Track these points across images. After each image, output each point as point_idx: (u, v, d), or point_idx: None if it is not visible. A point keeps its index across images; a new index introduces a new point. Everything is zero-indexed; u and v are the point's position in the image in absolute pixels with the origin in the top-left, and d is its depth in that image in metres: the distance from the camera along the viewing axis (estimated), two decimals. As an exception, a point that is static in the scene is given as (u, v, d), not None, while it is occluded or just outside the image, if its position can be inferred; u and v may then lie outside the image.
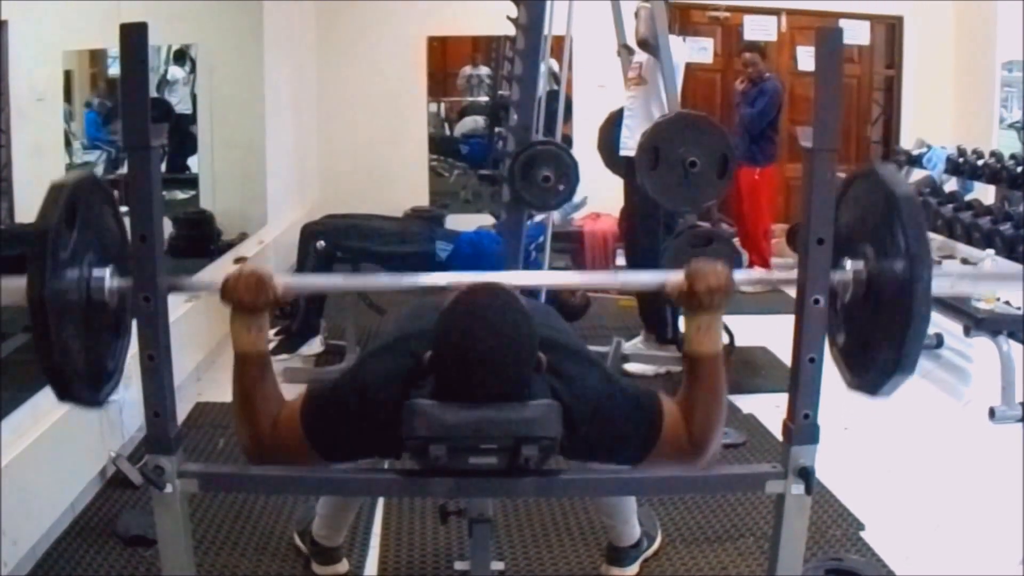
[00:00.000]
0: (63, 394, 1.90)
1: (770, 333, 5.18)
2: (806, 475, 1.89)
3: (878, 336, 1.91)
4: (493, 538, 2.59)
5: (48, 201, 1.81)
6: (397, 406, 1.85)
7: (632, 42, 5.03)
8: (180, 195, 5.78)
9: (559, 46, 4.71)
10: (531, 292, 4.31)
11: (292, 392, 4.11)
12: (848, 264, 1.93)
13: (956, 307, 4.61)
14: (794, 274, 1.98)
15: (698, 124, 4.17)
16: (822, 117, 1.86)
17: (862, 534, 3.14)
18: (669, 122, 4.22)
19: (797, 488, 1.90)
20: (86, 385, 1.94)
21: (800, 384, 1.92)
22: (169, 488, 1.91)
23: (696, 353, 1.98)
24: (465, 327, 1.82)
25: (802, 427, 1.92)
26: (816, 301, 1.85)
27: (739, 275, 1.99)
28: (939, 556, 3.03)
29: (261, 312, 1.96)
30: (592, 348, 4.02)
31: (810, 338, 1.89)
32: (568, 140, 6.44)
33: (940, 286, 1.95)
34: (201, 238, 5.44)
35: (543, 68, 4.49)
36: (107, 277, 1.91)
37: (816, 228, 1.84)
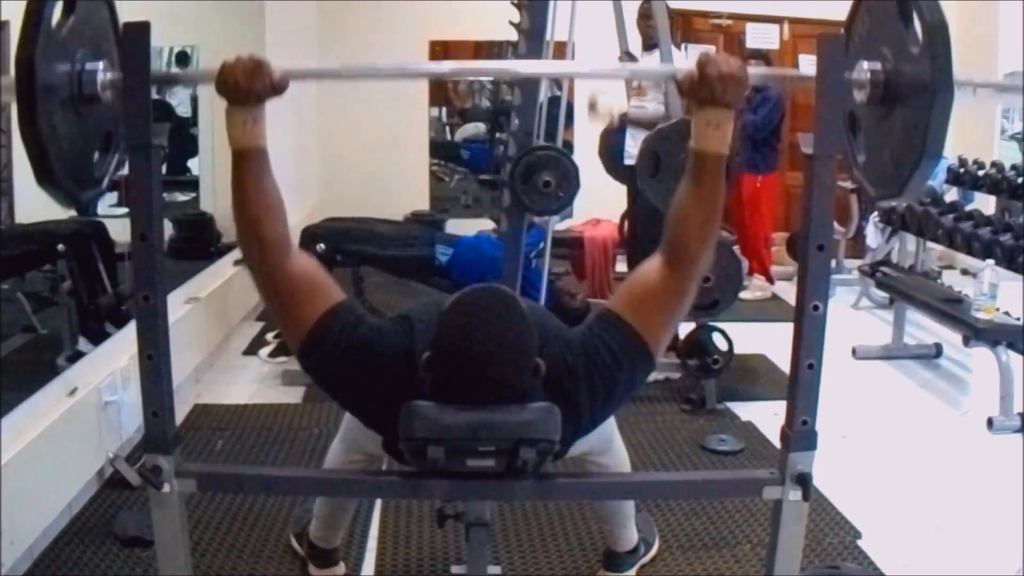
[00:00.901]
0: (44, 177, 1.78)
1: (770, 341, 5.19)
2: (804, 481, 1.89)
3: (899, 135, 1.81)
4: (490, 542, 2.58)
5: None
6: (399, 381, 1.86)
7: (635, 50, 5.05)
8: (181, 197, 5.78)
9: (561, 51, 4.72)
10: (531, 295, 4.32)
11: (291, 394, 4.10)
12: (864, 64, 1.85)
13: (956, 317, 4.62)
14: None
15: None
16: (823, 123, 1.85)
17: (859, 542, 3.15)
18: (670, 129, 4.23)
19: (795, 494, 1.90)
20: (69, 177, 1.84)
21: (799, 390, 1.91)
22: (167, 488, 1.91)
23: (702, 150, 1.88)
24: (465, 328, 1.81)
25: (800, 433, 1.92)
26: (816, 307, 1.85)
27: (753, 70, 1.88)
28: (936, 565, 3.03)
29: (258, 101, 1.87)
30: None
31: (809, 344, 1.89)
32: (569, 146, 6.47)
33: (962, 92, 1.80)
34: (201, 240, 5.45)
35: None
36: (100, 69, 1.84)
37: (816, 234, 1.85)
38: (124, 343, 3.56)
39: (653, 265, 1.93)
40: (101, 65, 1.84)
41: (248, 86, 1.83)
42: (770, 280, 6.91)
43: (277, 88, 1.87)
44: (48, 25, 1.72)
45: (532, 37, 4.05)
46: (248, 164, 1.90)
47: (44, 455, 2.90)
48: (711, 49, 7.91)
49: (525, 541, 3.10)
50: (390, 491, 2.28)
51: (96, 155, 1.96)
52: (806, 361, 1.89)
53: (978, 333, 4.42)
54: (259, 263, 1.92)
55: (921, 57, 1.73)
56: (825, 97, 1.84)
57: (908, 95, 1.77)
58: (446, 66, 2.19)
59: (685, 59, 5.37)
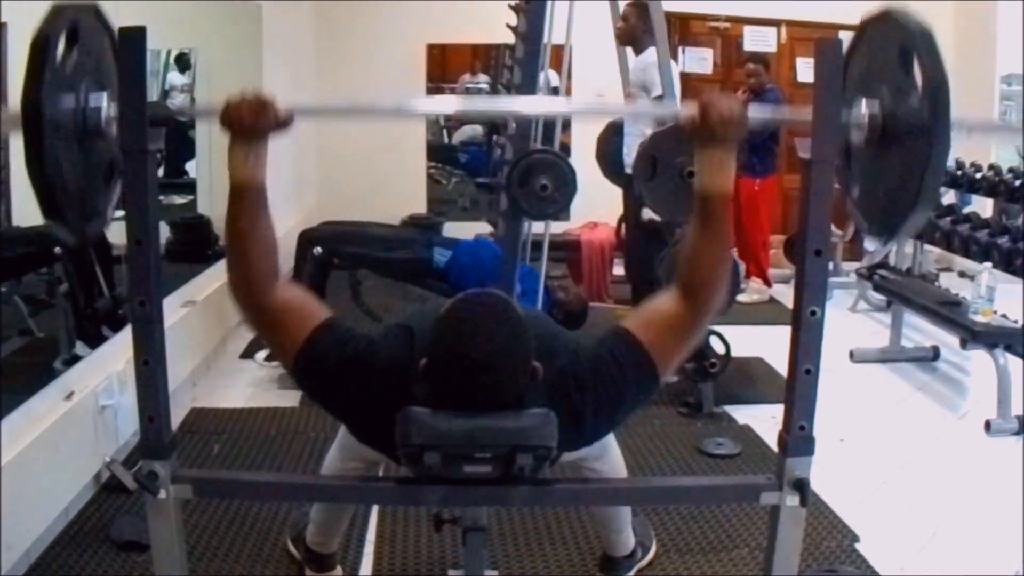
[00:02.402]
0: (50, 209, 1.82)
1: (767, 344, 5.21)
2: (801, 486, 1.89)
3: (894, 176, 1.86)
4: (487, 546, 2.58)
5: (51, 15, 1.78)
6: (394, 392, 1.87)
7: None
8: (178, 200, 5.78)
9: (558, 55, 4.73)
10: (529, 298, 4.34)
11: (288, 397, 4.10)
12: (863, 103, 1.89)
13: (953, 319, 4.64)
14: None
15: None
16: (821, 128, 1.86)
17: (857, 546, 3.16)
18: (666, 132, 4.23)
19: (792, 500, 1.90)
20: (74, 210, 1.88)
21: (796, 395, 1.93)
22: (163, 494, 1.92)
23: (707, 190, 1.94)
24: (461, 334, 1.80)
25: (798, 438, 1.93)
26: (813, 312, 1.86)
27: (753, 109, 1.97)
28: (934, 567, 3.04)
29: (261, 138, 1.91)
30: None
31: (807, 349, 1.90)
32: (566, 149, 6.49)
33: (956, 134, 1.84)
34: (198, 243, 5.44)
35: (542, 77, 4.50)
36: (104, 102, 1.88)
37: (813, 239, 1.86)
38: (121, 347, 3.56)
39: (671, 296, 1.97)
40: (104, 98, 1.87)
41: (252, 124, 1.87)
42: (767, 283, 6.93)
43: (281, 125, 1.91)
44: (53, 62, 1.75)
45: (529, 41, 4.06)
46: (245, 199, 1.92)
47: (41, 459, 2.91)
48: (708, 53, 8.00)
49: (522, 545, 3.11)
50: (386, 498, 2.29)
51: (100, 186, 1.99)
52: (804, 366, 1.90)
53: (975, 336, 4.43)
54: (244, 297, 1.95)
55: (921, 108, 1.76)
56: (823, 102, 1.85)
57: (905, 139, 1.81)
58: (448, 103, 2.29)
59: (680, 65, 5.39)
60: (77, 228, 1.90)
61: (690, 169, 4.02)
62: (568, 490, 2.09)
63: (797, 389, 1.93)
